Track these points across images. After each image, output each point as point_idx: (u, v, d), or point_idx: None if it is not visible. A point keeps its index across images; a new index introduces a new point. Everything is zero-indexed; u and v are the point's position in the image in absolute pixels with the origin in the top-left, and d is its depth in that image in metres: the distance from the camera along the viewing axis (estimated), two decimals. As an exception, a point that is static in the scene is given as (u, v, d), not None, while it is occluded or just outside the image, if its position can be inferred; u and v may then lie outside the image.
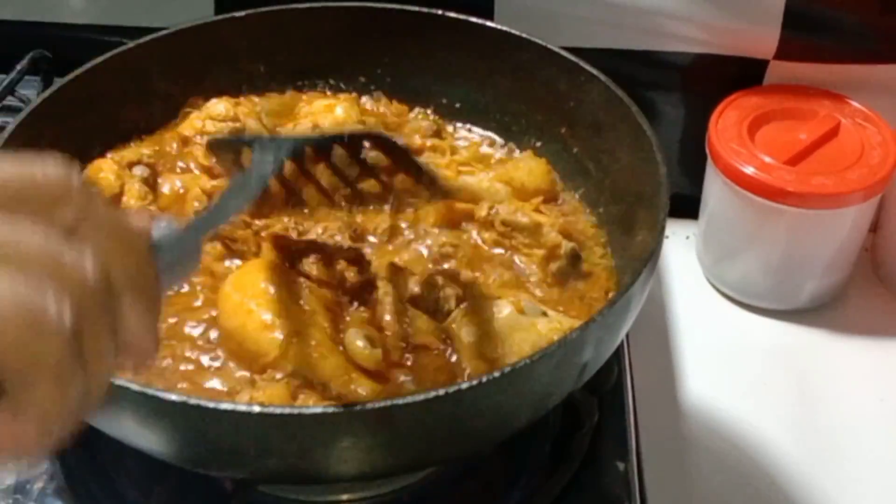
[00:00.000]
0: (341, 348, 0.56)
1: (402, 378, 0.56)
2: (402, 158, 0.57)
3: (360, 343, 0.56)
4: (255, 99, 0.74)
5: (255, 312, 0.56)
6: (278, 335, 0.55)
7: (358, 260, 0.63)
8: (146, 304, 0.35)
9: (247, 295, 0.57)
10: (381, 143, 0.57)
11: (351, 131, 0.62)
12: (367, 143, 0.57)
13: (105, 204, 0.34)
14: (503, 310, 0.58)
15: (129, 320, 0.34)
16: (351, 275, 0.61)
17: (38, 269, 0.31)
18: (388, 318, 0.59)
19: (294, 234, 0.63)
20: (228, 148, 0.59)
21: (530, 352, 0.52)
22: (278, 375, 0.55)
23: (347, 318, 0.60)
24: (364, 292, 0.61)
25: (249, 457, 0.50)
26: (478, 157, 0.73)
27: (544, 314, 0.59)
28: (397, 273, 0.61)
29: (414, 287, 0.61)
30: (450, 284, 0.61)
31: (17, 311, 0.30)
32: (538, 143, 0.73)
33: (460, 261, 0.64)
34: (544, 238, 0.65)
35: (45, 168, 0.33)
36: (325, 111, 0.72)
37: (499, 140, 0.75)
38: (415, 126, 0.74)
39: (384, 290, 0.60)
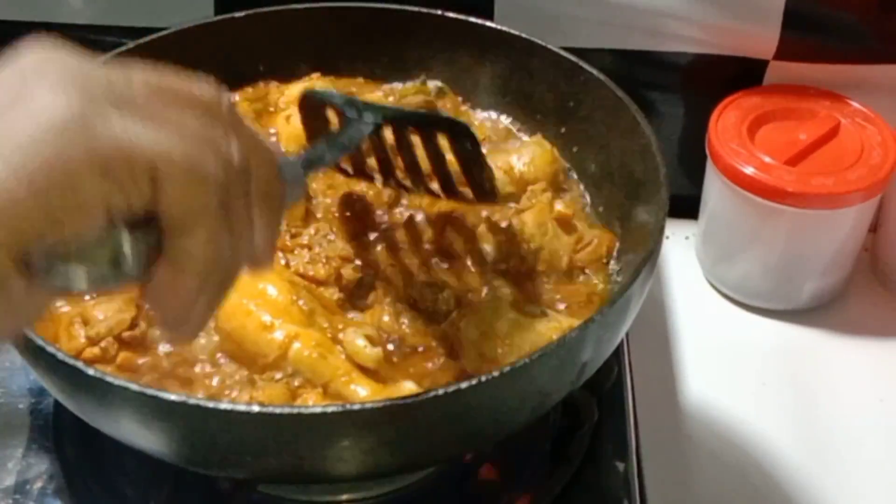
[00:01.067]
0: (340, 348, 0.56)
1: (402, 378, 0.56)
2: (473, 155, 0.57)
3: (360, 342, 0.56)
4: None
5: (255, 313, 0.56)
6: (278, 335, 0.55)
7: (354, 258, 0.62)
8: (272, 216, 0.38)
9: (245, 296, 0.57)
10: (459, 134, 0.56)
11: (445, 116, 0.63)
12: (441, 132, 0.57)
13: (247, 123, 0.38)
14: (502, 310, 0.58)
15: (257, 226, 0.37)
16: (348, 272, 0.61)
17: (200, 140, 0.35)
18: (386, 318, 0.59)
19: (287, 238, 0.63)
20: (321, 103, 0.59)
21: (530, 351, 0.52)
22: (278, 375, 0.55)
23: (346, 318, 0.60)
24: (362, 291, 0.61)
25: (249, 457, 0.50)
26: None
27: (544, 314, 0.59)
28: (396, 275, 0.61)
29: (413, 288, 0.61)
30: (448, 285, 0.61)
31: (186, 161, 0.34)
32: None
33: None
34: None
35: (201, 84, 0.38)
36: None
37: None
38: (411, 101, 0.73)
39: (383, 291, 0.60)
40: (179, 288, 0.35)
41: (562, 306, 0.62)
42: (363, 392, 0.54)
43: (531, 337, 0.57)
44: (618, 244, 0.65)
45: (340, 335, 0.57)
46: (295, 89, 0.72)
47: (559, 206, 0.66)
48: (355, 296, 0.61)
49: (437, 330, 0.59)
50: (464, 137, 0.56)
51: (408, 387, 0.55)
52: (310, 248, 0.62)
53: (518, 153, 0.69)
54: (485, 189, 0.59)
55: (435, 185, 0.62)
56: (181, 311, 0.37)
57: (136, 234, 0.35)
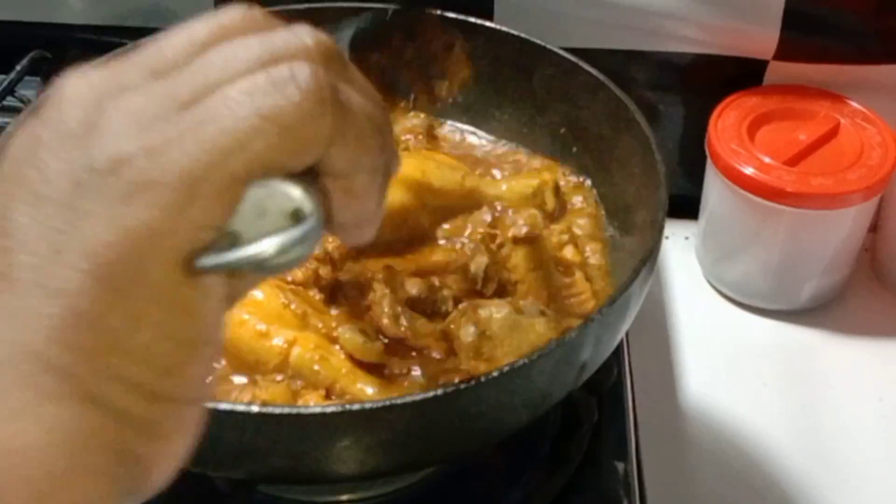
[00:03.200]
0: (337, 347, 0.56)
1: (401, 371, 0.56)
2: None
3: (359, 339, 0.55)
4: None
5: (248, 322, 0.56)
6: (277, 342, 0.55)
7: (327, 259, 0.62)
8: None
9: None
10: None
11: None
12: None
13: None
14: (501, 310, 0.58)
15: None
16: (325, 272, 0.61)
17: (289, 54, 0.32)
18: (385, 321, 0.59)
19: None
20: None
21: (529, 351, 0.52)
22: (279, 377, 0.55)
23: (336, 316, 0.59)
24: (354, 292, 0.61)
25: (249, 457, 0.50)
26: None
27: (542, 314, 0.59)
28: (393, 276, 0.61)
29: (412, 289, 0.60)
30: (447, 286, 0.61)
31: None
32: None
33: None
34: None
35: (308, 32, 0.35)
36: None
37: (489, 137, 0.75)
38: (405, 125, 0.73)
39: (381, 293, 0.60)
40: (352, 190, 0.34)
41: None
42: (370, 390, 0.54)
43: (530, 337, 0.57)
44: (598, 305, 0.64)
45: (335, 334, 0.57)
46: None
47: (566, 253, 0.66)
48: (332, 294, 0.61)
49: (435, 331, 0.59)
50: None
51: (415, 375, 0.55)
52: None
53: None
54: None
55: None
56: (365, 207, 0.35)
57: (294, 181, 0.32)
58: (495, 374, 0.47)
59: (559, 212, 0.68)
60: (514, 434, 0.54)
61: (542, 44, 0.70)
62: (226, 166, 0.30)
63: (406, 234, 0.64)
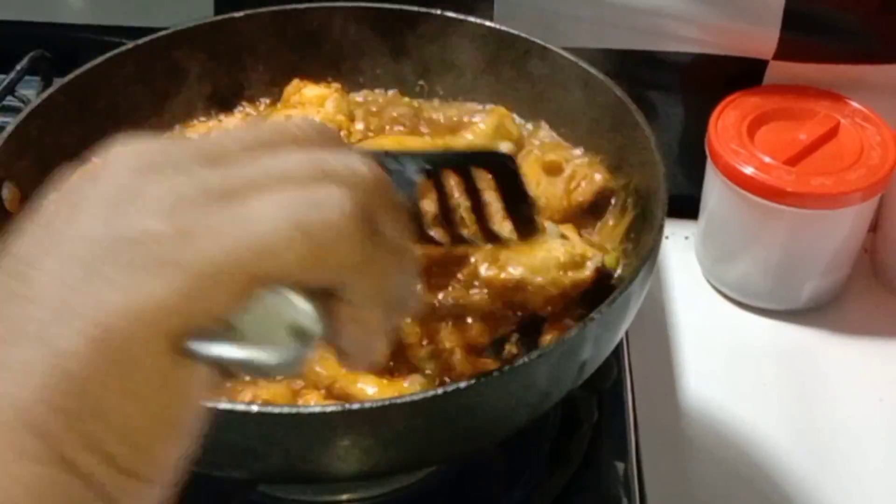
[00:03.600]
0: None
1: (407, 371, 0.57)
2: (514, 184, 0.52)
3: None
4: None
5: None
6: None
7: None
8: (404, 219, 0.37)
9: None
10: (500, 164, 0.52)
11: (484, 150, 0.58)
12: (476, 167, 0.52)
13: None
14: None
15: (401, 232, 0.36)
16: None
17: (309, 177, 0.32)
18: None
19: None
20: None
21: (539, 265, 0.54)
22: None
23: None
24: None
25: (249, 457, 0.50)
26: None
27: (563, 236, 0.59)
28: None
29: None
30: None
31: (305, 222, 0.31)
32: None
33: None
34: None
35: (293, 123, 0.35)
36: (317, 103, 0.72)
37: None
38: (391, 113, 0.73)
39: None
40: (365, 322, 0.34)
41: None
42: (371, 390, 0.54)
43: (541, 253, 0.58)
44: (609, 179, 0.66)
45: None
46: (313, 91, 0.72)
47: (548, 156, 0.67)
48: None
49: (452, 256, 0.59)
50: (505, 167, 0.52)
51: (415, 380, 0.55)
52: None
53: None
54: (528, 221, 0.54)
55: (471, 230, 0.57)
56: (373, 340, 0.35)
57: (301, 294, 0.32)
58: (496, 373, 0.47)
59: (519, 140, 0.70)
60: (514, 434, 0.54)
61: (543, 44, 0.70)
62: (251, 267, 0.30)
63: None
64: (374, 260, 0.33)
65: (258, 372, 0.32)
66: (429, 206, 0.53)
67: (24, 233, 0.31)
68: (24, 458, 0.28)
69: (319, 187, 0.32)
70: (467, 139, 0.69)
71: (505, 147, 0.69)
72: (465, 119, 0.74)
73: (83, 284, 0.29)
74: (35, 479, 0.28)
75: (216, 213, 0.30)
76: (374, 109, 0.74)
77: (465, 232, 0.55)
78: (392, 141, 0.64)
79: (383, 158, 0.41)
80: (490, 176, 0.52)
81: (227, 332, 0.31)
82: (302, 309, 0.32)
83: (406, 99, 0.75)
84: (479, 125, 0.71)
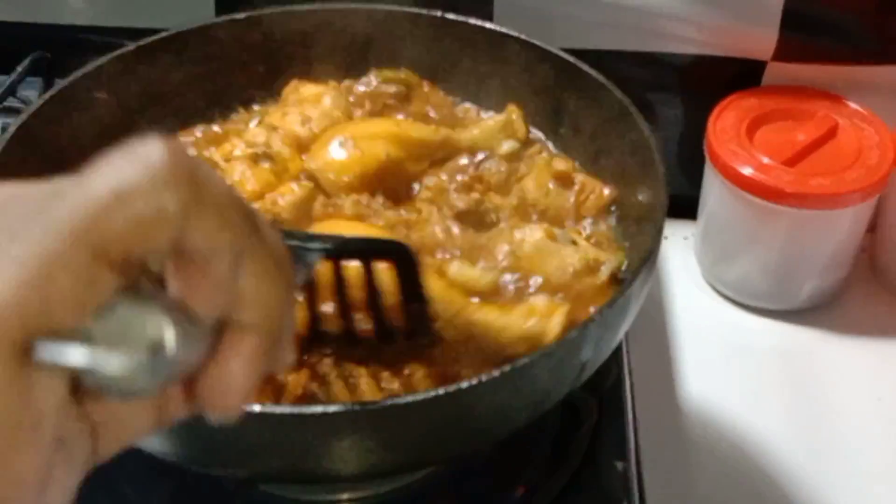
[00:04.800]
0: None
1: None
2: (413, 280, 0.52)
3: (474, 270, 0.58)
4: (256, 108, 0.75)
5: None
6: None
7: None
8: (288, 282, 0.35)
9: None
10: (402, 257, 0.52)
11: (387, 240, 0.58)
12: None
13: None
14: (535, 234, 0.61)
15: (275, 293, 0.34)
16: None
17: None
18: (439, 233, 0.61)
19: None
20: None
21: (552, 272, 0.55)
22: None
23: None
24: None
25: (250, 456, 0.50)
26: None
27: (574, 243, 0.61)
28: (440, 192, 0.65)
29: (459, 203, 0.63)
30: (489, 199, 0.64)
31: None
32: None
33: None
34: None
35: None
36: (314, 100, 0.72)
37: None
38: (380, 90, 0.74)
39: (427, 212, 0.62)
40: (212, 286, 0.33)
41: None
42: (493, 316, 0.56)
43: (555, 261, 0.59)
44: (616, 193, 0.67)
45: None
46: (310, 89, 0.73)
47: (558, 165, 0.68)
48: None
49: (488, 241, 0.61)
50: (407, 259, 0.52)
51: (537, 301, 0.57)
52: None
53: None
54: (422, 323, 0.54)
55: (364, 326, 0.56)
56: (244, 386, 0.34)
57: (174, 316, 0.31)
58: (496, 374, 0.47)
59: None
60: (514, 434, 0.54)
61: (542, 44, 0.70)
62: (79, 242, 0.29)
63: (393, 184, 0.66)
64: (203, 200, 0.31)
65: (107, 384, 0.30)
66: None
67: None
68: None
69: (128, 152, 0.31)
70: (472, 133, 0.70)
71: (507, 146, 0.70)
72: (472, 114, 0.75)
73: None
74: None
75: (40, 205, 0.30)
76: (362, 90, 0.74)
77: (358, 326, 0.54)
78: (334, 225, 0.63)
79: (284, 235, 0.38)
80: (391, 267, 0.52)
81: (84, 343, 0.30)
82: (161, 322, 0.31)
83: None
84: (488, 121, 0.71)
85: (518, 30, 0.71)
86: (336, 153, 0.66)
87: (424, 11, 0.73)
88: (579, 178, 0.67)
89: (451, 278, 0.57)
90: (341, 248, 0.51)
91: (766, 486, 0.70)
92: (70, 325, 0.29)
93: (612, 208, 0.66)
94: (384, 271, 0.53)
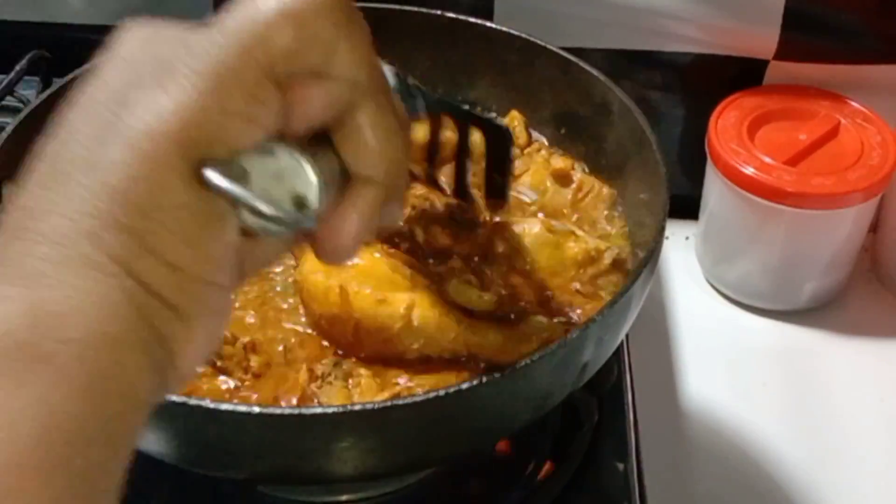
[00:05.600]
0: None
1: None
2: (504, 159, 0.55)
3: (473, 291, 0.57)
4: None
5: (365, 292, 0.56)
6: (397, 308, 0.55)
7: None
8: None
9: (345, 278, 0.56)
10: (500, 136, 0.55)
11: (490, 118, 0.60)
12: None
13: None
14: (534, 227, 0.61)
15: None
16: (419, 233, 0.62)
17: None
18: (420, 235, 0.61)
19: None
20: None
21: (557, 266, 0.55)
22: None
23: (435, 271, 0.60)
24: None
25: (249, 457, 0.50)
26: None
27: (573, 234, 0.61)
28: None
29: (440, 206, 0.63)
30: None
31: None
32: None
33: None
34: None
35: None
36: None
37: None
38: None
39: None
40: (369, 144, 0.37)
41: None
42: (491, 335, 0.56)
43: (557, 254, 0.59)
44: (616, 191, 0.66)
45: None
46: None
47: (556, 163, 0.68)
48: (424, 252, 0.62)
49: (473, 245, 0.60)
50: (502, 138, 0.55)
51: (538, 321, 0.56)
52: None
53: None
54: (501, 192, 0.57)
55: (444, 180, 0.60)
56: (388, 153, 0.37)
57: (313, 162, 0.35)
58: (496, 374, 0.47)
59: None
60: (515, 434, 0.54)
61: (543, 44, 0.70)
62: (250, 57, 0.33)
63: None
64: (354, 29, 0.36)
65: (260, 221, 0.34)
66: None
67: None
68: (86, 267, 0.30)
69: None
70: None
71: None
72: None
73: (112, 115, 0.32)
74: (96, 287, 0.30)
75: (211, 24, 0.35)
76: None
77: (442, 177, 0.58)
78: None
79: (401, 80, 0.47)
80: (483, 140, 0.54)
81: (242, 176, 0.34)
82: (309, 180, 0.35)
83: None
84: None
85: (518, 28, 0.71)
86: None
87: (424, 10, 0.73)
88: (577, 176, 0.67)
89: (451, 296, 0.57)
90: (446, 106, 0.54)
91: (766, 486, 0.70)
92: (241, 145, 0.33)
93: (618, 209, 0.66)
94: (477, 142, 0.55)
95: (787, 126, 0.80)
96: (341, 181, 0.37)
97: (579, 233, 0.61)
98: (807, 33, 0.80)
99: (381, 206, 0.38)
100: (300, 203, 0.35)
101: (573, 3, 0.81)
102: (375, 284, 0.56)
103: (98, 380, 0.29)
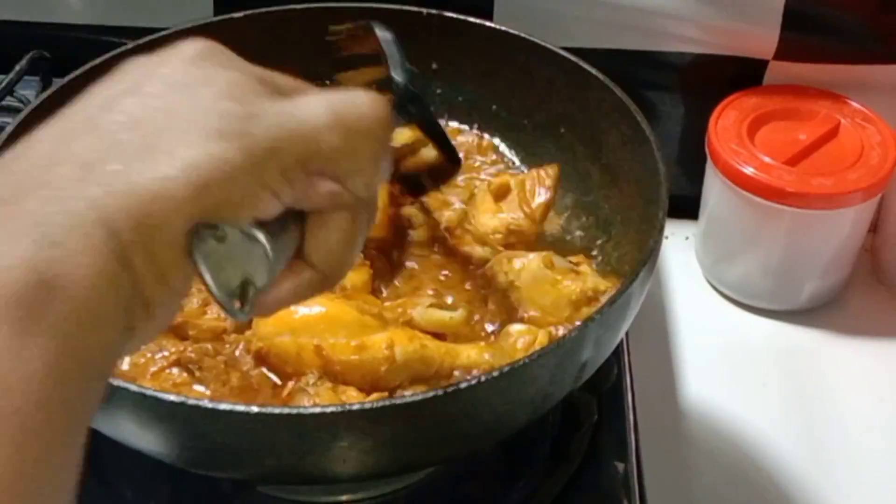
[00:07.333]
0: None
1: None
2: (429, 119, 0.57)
3: (442, 313, 0.57)
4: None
5: (341, 344, 0.55)
6: (378, 350, 0.55)
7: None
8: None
9: (314, 333, 0.56)
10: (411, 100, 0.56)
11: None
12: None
13: None
14: (532, 262, 0.60)
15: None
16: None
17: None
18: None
19: None
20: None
21: (548, 305, 0.55)
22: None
23: (401, 302, 0.60)
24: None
25: (248, 457, 0.50)
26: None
27: (573, 271, 0.60)
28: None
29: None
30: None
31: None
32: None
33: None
34: None
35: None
36: None
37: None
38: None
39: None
40: (338, 235, 0.38)
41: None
42: (474, 353, 0.56)
43: (553, 292, 0.59)
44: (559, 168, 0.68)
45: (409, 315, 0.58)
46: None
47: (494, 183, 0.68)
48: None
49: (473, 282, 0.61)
50: (453, 169, 0.58)
51: (517, 329, 0.56)
52: None
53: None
54: (421, 192, 0.60)
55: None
56: (345, 258, 0.39)
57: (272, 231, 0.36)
58: (495, 374, 0.47)
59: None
60: (514, 434, 0.54)
61: (543, 44, 0.70)
62: (298, 146, 0.35)
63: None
64: (385, 160, 0.39)
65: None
66: None
67: (103, 84, 0.38)
68: (93, 249, 0.31)
69: (356, 91, 0.38)
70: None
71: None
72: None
73: (159, 136, 0.33)
74: (96, 268, 0.31)
75: (271, 102, 0.36)
76: None
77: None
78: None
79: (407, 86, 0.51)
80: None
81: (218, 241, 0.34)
82: (261, 265, 0.35)
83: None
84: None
85: (518, 28, 0.71)
86: None
87: (425, 10, 0.73)
88: (515, 182, 0.67)
89: (419, 324, 0.57)
90: (430, 123, 0.57)
91: (766, 486, 0.70)
92: (261, 214, 0.35)
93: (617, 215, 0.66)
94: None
95: (786, 126, 0.80)
96: (292, 250, 0.38)
97: (582, 269, 0.60)
98: (807, 33, 0.80)
99: (317, 288, 0.39)
100: (246, 283, 0.36)
101: (573, 3, 0.81)
102: (348, 332, 0.55)
103: (80, 344, 0.30)
